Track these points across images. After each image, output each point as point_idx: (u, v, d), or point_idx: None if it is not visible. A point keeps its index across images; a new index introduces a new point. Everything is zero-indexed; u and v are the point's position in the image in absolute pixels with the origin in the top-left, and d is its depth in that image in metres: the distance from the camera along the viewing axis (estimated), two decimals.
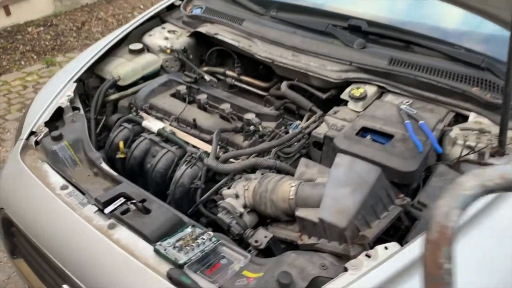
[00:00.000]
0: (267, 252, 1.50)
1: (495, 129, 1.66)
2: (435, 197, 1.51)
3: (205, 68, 2.63)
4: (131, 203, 1.51)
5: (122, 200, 1.54)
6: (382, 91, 2.01)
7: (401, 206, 1.41)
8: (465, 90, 1.80)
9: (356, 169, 1.43)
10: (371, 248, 1.29)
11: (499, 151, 1.58)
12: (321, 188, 1.45)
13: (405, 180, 1.56)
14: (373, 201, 1.37)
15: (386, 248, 1.28)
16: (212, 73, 2.58)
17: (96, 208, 1.53)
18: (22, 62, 5.58)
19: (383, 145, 1.63)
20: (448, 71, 1.88)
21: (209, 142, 1.84)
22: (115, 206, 1.51)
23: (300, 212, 1.44)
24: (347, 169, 1.44)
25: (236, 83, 2.57)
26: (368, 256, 1.28)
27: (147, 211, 1.49)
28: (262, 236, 1.50)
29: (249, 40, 2.30)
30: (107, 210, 1.50)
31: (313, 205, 1.44)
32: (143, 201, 1.53)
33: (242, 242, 1.58)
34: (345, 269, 1.26)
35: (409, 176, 1.56)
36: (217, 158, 1.75)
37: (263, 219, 1.66)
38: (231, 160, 1.75)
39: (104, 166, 1.76)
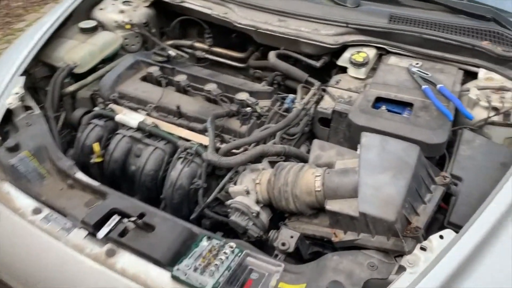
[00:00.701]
0: (294, 252, 1.31)
1: None
2: (468, 168, 1.38)
3: (169, 42, 2.31)
4: (129, 220, 1.24)
5: (116, 218, 1.26)
6: (381, 53, 1.82)
7: (443, 186, 1.26)
8: (474, 45, 1.66)
9: (391, 149, 1.25)
10: (425, 238, 1.14)
11: None
12: (353, 175, 1.26)
13: (433, 153, 1.42)
14: (416, 184, 1.20)
15: (441, 237, 1.13)
16: (177, 47, 2.27)
17: (86, 233, 1.25)
18: None
19: (405, 117, 1.47)
20: (453, 25, 1.73)
21: (201, 132, 1.58)
22: (109, 227, 1.24)
23: (332, 206, 1.25)
24: (380, 150, 1.26)
25: (207, 55, 2.28)
26: (423, 249, 1.12)
27: (150, 228, 1.24)
28: (288, 237, 1.30)
29: (223, 6, 2.01)
30: (101, 234, 1.22)
31: (345, 196, 1.26)
32: (142, 215, 1.26)
33: (261, 244, 1.38)
34: (402, 268, 1.10)
35: (438, 148, 1.41)
36: (216, 150, 1.50)
37: (277, 213, 1.46)
38: (233, 151, 1.51)
39: (81, 175, 1.45)
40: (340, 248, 1.27)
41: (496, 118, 1.49)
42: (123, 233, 1.23)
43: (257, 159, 1.50)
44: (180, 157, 1.50)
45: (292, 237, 1.30)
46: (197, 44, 2.30)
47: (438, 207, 1.26)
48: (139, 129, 1.61)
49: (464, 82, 1.68)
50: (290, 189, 1.32)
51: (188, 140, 1.57)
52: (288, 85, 2.02)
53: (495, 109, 1.48)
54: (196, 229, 1.29)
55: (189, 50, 2.32)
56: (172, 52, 2.02)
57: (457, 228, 1.26)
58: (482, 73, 1.67)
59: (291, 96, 1.80)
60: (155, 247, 1.19)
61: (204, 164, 1.47)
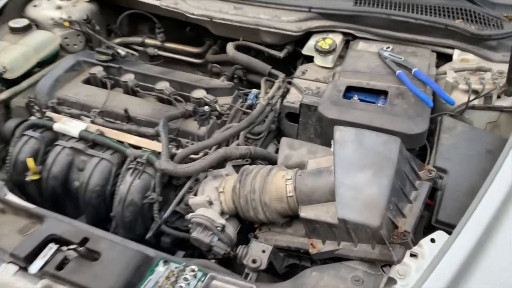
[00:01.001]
0: (267, 267, 1.15)
1: (495, 66, 1.43)
2: (452, 158, 1.26)
3: (116, 40, 2.10)
4: (69, 248, 1.04)
5: (53, 247, 1.06)
6: (348, 39, 1.68)
7: (429, 180, 1.12)
8: (447, 24, 1.54)
9: (369, 144, 1.10)
10: (414, 243, 1.00)
11: (507, 91, 1.35)
12: (328, 176, 1.10)
13: (414, 144, 1.28)
14: (400, 181, 1.06)
15: (432, 240, 0.99)
16: (126, 45, 2.06)
17: (16, 268, 1.04)
18: None
19: (380, 106, 1.32)
20: (423, 5, 1.61)
21: (152, 137, 1.38)
22: (45, 258, 1.04)
23: (307, 212, 1.09)
24: (357, 146, 1.10)
25: (160, 52, 2.08)
26: (413, 255, 0.98)
27: (95, 255, 1.04)
28: (259, 252, 1.14)
29: None
30: (34, 267, 1.02)
31: (321, 200, 1.10)
32: (84, 241, 1.06)
33: (229, 261, 1.21)
34: (391, 280, 0.95)
35: (418, 138, 1.28)
36: (171, 157, 1.31)
37: (246, 223, 1.29)
38: (191, 156, 1.33)
39: (12, 197, 1.23)
40: (319, 260, 1.11)
41: (476, 102, 1.37)
42: (61, 264, 1.03)
43: (220, 163, 1.33)
44: (130, 168, 1.31)
45: (264, 251, 1.14)
46: (148, 41, 2.10)
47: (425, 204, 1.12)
48: (81, 138, 1.40)
49: (437, 65, 1.56)
50: (258, 196, 1.15)
51: (139, 148, 1.37)
52: (251, 80, 1.86)
53: (475, 92, 1.35)
54: (151, 252, 1.10)
55: (140, 48, 2.12)
56: (121, 51, 1.82)
57: (446, 226, 1.14)
58: (456, 54, 1.56)
59: (254, 91, 1.64)
60: (101, 279, 0.99)
61: (158, 174, 1.28)
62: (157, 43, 2.09)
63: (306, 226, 1.11)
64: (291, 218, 1.20)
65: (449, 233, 1.00)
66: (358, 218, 0.99)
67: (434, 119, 1.37)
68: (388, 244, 0.98)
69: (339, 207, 1.02)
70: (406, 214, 1.04)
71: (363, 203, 1.00)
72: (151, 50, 2.10)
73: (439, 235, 0.99)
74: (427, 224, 1.19)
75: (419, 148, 1.35)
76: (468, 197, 1.15)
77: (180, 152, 1.31)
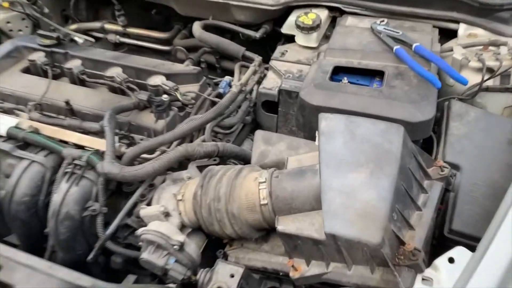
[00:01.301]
0: None
1: (510, 41, 1.19)
2: (466, 152, 1.02)
3: (72, 27, 1.83)
4: None
5: None
6: (334, 15, 1.44)
7: (441, 180, 0.87)
8: None
9: (364, 134, 0.85)
10: (426, 264, 0.75)
11: None
12: (312, 177, 0.85)
13: (417, 134, 1.04)
14: (405, 182, 0.81)
15: (451, 260, 0.75)
16: (85, 32, 1.80)
17: None
18: None
19: (376, 89, 1.08)
20: None
21: (98, 134, 1.13)
22: None
23: (286, 225, 0.84)
24: (348, 137, 0.86)
25: (123, 39, 1.82)
26: (427, 279, 0.74)
27: None
28: (226, 276, 0.88)
29: None
30: None
31: (304, 209, 0.85)
32: None
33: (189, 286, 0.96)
34: None
35: (424, 127, 1.04)
36: (119, 157, 1.05)
37: (213, 237, 1.03)
38: (144, 156, 1.07)
39: None
40: (303, 285, 0.87)
41: (491, 83, 1.14)
42: None
43: (183, 165, 1.08)
44: (66, 172, 1.04)
45: (232, 275, 0.88)
46: (109, 26, 1.84)
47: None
48: (9, 137, 1.13)
49: (440, 43, 1.32)
50: (224, 205, 0.90)
51: (81, 147, 1.11)
52: (226, 67, 1.61)
53: (489, 70, 1.12)
54: (86, 281, 0.85)
55: (101, 35, 1.85)
56: (78, 39, 1.57)
57: (463, 237, 0.90)
58: (462, 29, 1.32)
59: (227, 78, 1.39)
60: None
61: (101, 180, 1.02)
62: (119, 28, 1.83)
63: (286, 242, 0.86)
64: (267, 231, 0.95)
65: (470, 248, 0.76)
66: (351, 232, 0.74)
67: (439, 106, 1.13)
68: (393, 267, 0.74)
69: (326, 218, 0.77)
70: (414, 225, 0.79)
71: (358, 212, 0.76)
72: (112, 37, 1.84)
73: (460, 253, 0.75)
74: (437, 235, 0.96)
75: (423, 140, 1.11)
76: (489, 199, 0.92)
77: (128, 151, 1.06)
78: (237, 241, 1.00)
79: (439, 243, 0.95)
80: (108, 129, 1.06)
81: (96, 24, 1.84)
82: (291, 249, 0.86)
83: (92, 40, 1.72)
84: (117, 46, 1.88)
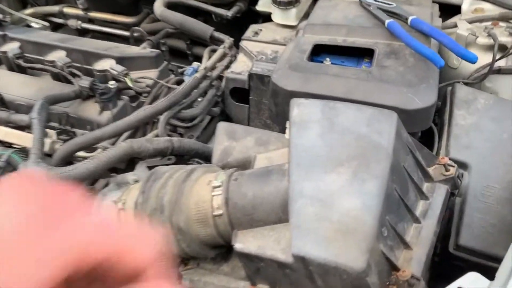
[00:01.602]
0: None
1: None
2: (474, 146, 0.83)
3: (28, 11, 1.64)
4: None
5: None
6: None
7: (446, 182, 0.68)
8: None
9: (346, 124, 0.66)
10: None
11: None
12: (280, 179, 0.66)
13: (415, 125, 0.85)
14: (399, 185, 0.62)
15: None
16: (42, 17, 1.61)
17: None
18: None
19: (364, 70, 0.89)
20: None
21: (28, 128, 0.93)
22: None
23: (245, 242, 0.65)
24: (326, 128, 0.66)
25: (86, 25, 1.64)
26: None
27: None
28: None
29: None
30: None
31: (269, 220, 0.66)
32: None
33: None
34: None
35: (422, 116, 0.85)
36: (49, 155, 0.86)
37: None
38: (81, 154, 0.88)
39: None
40: None
41: (503, 63, 0.94)
42: None
43: (128, 164, 0.88)
44: None
45: None
46: (68, 10, 1.64)
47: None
48: None
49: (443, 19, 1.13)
50: (168, 217, 0.70)
51: (7, 144, 0.91)
52: (198, 54, 1.42)
53: (502, 48, 0.93)
54: None
55: (60, 21, 1.66)
56: (35, 24, 1.39)
57: (473, 255, 0.71)
58: (467, 3, 1.13)
59: (195, 64, 1.20)
60: None
61: None
62: (79, 12, 1.63)
63: (245, 264, 0.67)
64: (226, 248, 0.76)
65: (483, 268, 0.57)
66: (326, 254, 0.55)
67: (441, 91, 0.94)
68: None
69: (295, 234, 0.58)
70: (411, 243, 0.60)
71: (336, 227, 0.56)
72: (72, 22, 1.65)
73: (473, 281, 0.56)
74: (440, 250, 0.76)
75: (421, 133, 0.92)
76: (505, 205, 0.73)
77: (60, 148, 0.86)
78: (193, 260, 0.80)
79: (442, 260, 0.76)
80: (36, 121, 0.87)
81: (54, 8, 1.65)
82: (252, 273, 0.67)
83: (47, 24, 1.53)
84: (81, 34, 1.69)
